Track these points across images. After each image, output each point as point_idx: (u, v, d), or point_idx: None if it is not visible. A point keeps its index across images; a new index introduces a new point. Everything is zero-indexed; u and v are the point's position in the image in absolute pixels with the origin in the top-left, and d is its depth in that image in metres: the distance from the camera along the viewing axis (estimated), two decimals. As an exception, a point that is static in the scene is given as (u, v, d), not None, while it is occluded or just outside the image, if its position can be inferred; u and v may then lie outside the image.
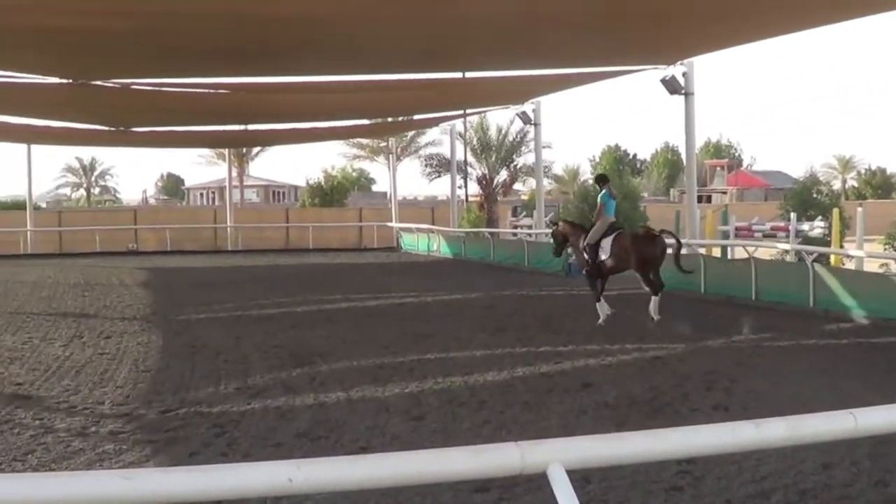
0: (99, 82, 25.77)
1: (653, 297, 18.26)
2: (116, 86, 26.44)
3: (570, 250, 21.10)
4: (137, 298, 25.03)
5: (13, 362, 14.88)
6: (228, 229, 52.74)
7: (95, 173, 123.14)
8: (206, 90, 28.58)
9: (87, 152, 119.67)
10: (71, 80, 25.22)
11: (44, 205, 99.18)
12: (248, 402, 11.68)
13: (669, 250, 19.25)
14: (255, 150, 79.34)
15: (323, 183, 70.28)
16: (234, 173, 67.63)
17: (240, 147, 69.13)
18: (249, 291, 26.35)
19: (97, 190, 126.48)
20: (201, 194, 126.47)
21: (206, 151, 79.17)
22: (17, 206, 63.78)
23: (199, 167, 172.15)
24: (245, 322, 19.81)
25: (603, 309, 18.58)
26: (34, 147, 51.24)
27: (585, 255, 19.09)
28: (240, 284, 28.92)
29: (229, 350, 15.93)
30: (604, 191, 19.33)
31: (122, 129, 38.45)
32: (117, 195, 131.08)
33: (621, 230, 19.10)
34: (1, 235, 50.38)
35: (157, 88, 27.42)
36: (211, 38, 20.16)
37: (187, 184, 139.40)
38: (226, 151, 60.31)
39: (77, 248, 49.14)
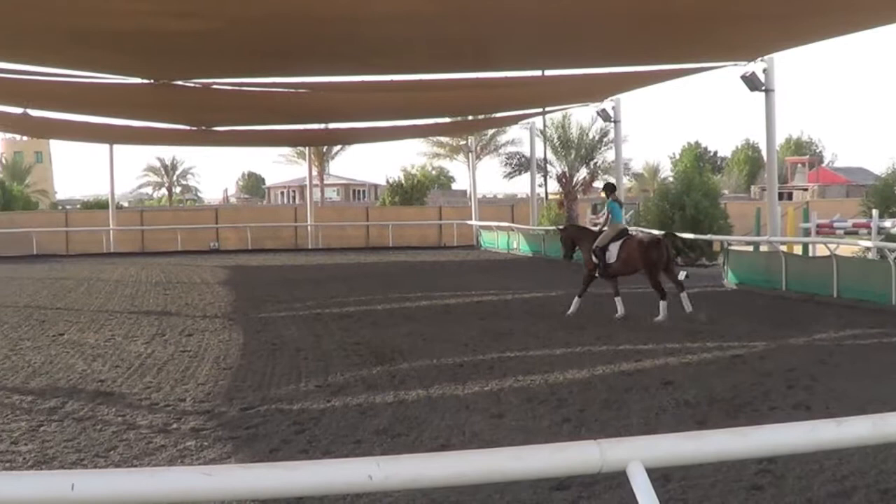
0: (180, 82, 26.07)
1: (682, 294, 19.15)
2: (198, 86, 26.74)
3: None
4: (219, 296, 25.29)
5: (96, 359, 15.09)
6: (309, 228, 53.11)
7: (177, 173, 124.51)
8: (287, 89, 28.79)
9: (168, 152, 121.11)
10: (153, 81, 25.55)
11: (126, 204, 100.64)
12: (328, 399, 11.72)
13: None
14: (336, 148, 79.72)
15: (403, 181, 70.59)
16: (315, 172, 68.02)
17: (320, 146, 69.48)
18: (330, 289, 26.50)
19: (178, 189, 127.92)
20: (282, 193, 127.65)
21: (286, 150, 79.68)
22: (100, 205, 64.82)
23: (280, 166, 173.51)
24: (325, 320, 19.91)
25: (574, 305, 20.08)
26: (116, 147, 52.08)
27: (594, 258, 20.09)
28: (320, 282, 29.09)
29: (310, 348, 16.01)
30: (611, 199, 20.43)
31: (203, 128, 38.90)
32: (199, 194, 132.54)
33: (629, 236, 20.19)
34: (84, 235, 51.33)
35: (237, 88, 27.69)
36: (291, 38, 20.28)
37: (268, 182, 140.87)
38: (306, 150, 60.70)
39: (159, 247, 49.81)
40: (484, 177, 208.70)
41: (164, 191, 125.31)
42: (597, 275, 20.21)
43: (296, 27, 19.12)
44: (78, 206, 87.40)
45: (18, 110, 34.49)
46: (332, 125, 42.82)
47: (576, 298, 20.25)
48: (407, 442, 9.66)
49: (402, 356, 14.94)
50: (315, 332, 17.88)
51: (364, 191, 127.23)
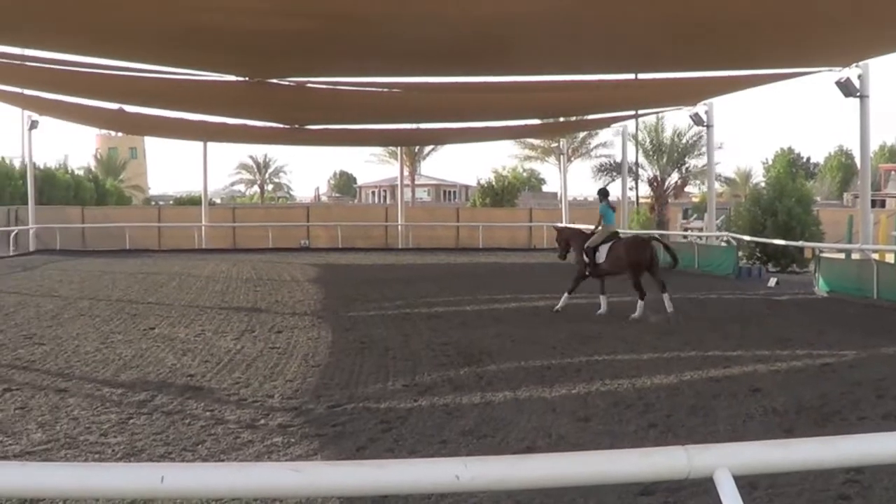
0: (275, 80, 26.33)
1: (664, 295, 19.97)
2: (292, 84, 26.97)
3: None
4: (308, 294, 25.48)
5: (186, 354, 15.29)
6: (399, 227, 53.36)
7: (269, 171, 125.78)
8: (380, 89, 28.93)
9: (260, 150, 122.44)
10: (248, 78, 25.84)
11: (218, 201, 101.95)
12: (415, 399, 11.74)
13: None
14: (427, 148, 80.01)
15: (494, 183, 70.55)
16: (406, 172, 68.31)
17: (412, 146, 69.83)
18: (419, 289, 26.57)
19: (270, 187, 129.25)
20: (373, 192, 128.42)
21: (378, 150, 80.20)
22: (193, 201, 65.81)
23: (371, 165, 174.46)
24: (414, 320, 19.96)
25: (563, 301, 21.39)
26: (210, 144, 52.76)
27: (585, 258, 21.28)
28: (410, 282, 29.17)
29: (398, 347, 16.05)
30: (604, 203, 22.04)
31: (296, 126, 39.24)
32: (290, 192, 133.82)
33: (618, 239, 21.40)
34: (177, 230, 52.10)
35: (332, 87, 27.88)
36: (385, 39, 20.38)
37: (359, 182, 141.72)
38: (398, 150, 61.00)
39: (250, 244, 50.37)
40: (575, 179, 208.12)
41: (256, 188, 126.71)
42: (587, 273, 21.39)
43: (390, 27, 19.22)
44: (171, 201, 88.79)
45: (114, 106, 35.13)
46: (423, 125, 42.97)
47: (565, 295, 21.49)
48: (493, 443, 9.64)
49: (490, 357, 14.91)
50: (404, 332, 17.93)
51: (455, 191, 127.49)
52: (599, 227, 21.52)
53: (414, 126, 43.17)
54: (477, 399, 11.76)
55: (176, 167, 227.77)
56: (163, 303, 23.25)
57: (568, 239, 22.45)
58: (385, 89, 29.05)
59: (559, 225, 23.72)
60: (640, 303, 20.14)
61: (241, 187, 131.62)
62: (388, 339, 16.94)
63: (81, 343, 16.41)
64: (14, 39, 22.45)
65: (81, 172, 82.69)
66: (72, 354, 15.19)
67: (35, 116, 45.09)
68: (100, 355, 15.13)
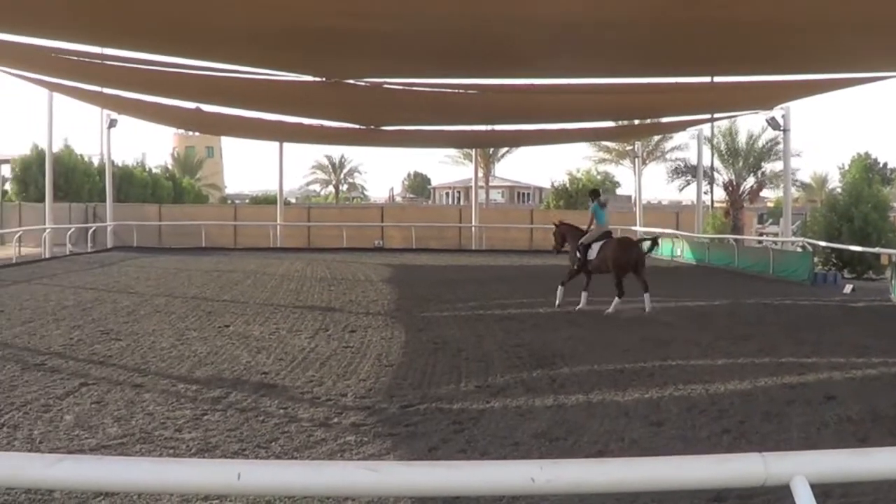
0: (352, 81, 26.43)
1: (645, 295, 21.39)
2: (368, 85, 27.06)
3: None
4: (382, 294, 25.55)
5: (260, 352, 15.39)
6: (473, 229, 53.40)
7: (344, 171, 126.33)
8: (456, 90, 28.94)
9: (336, 150, 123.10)
10: (325, 79, 25.97)
11: (293, 200, 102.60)
12: (487, 400, 11.71)
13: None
14: (501, 150, 79.96)
15: (568, 185, 70.31)
16: (480, 173, 68.36)
17: (486, 147, 69.83)
18: (492, 290, 26.56)
19: (345, 187, 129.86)
20: (447, 193, 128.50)
21: (452, 151, 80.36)
22: (269, 201, 66.42)
23: (446, 167, 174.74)
24: (487, 321, 19.92)
25: (560, 294, 22.65)
26: (286, 144, 53.20)
27: (578, 254, 22.58)
28: (483, 283, 29.16)
29: (471, 348, 16.03)
30: (595, 203, 23.05)
31: (372, 127, 39.38)
32: (365, 192, 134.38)
33: (609, 238, 22.60)
34: (253, 229, 52.59)
35: (408, 88, 27.93)
36: (461, 40, 20.38)
37: (433, 183, 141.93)
38: (472, 151, 61.04)
39: (324, 244, 50.70)
40: (649, 182, 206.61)
41: (331, 188, 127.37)
42: (575, 267, 22.78)
43: (466, 29, 19.21)
44: (247, 200, 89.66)
45: (192, 106, 35.53)
46: (498, 127, 42.94)
47: (559, 288, 22.80)
48: (565, 446, 9.58)
49: (563, 360, 14.84)
50: (477, 333, 17.90)
51: (528, 193, 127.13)
52: (592, 226, 22.65)
53: (489, 128, 43.16)
54: (549, 401, 11.71)
55: (252, 166, 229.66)
56: (238, 300, 23.46)
57: (564, 234, 23.51)
58: (461, 90, 29.06)
59: (558, 221, 24.85)
60: (616, 300, 21.33)
61: (317, 187, 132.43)
62: (461, 340, 16.93)
63: (157, 339, 16.61)
64: (95, 38, 22.78)
65: (159, 171, 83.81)
66: (148, 350, 15.38)
67: (114, 115, 45.79)
68: (175, 352, 15.29)
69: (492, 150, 75.47)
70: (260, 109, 36.16)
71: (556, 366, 14.32)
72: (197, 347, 15.74)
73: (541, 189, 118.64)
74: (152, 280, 29.46)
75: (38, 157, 56.98)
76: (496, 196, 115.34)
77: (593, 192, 24.24)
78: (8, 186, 66.07)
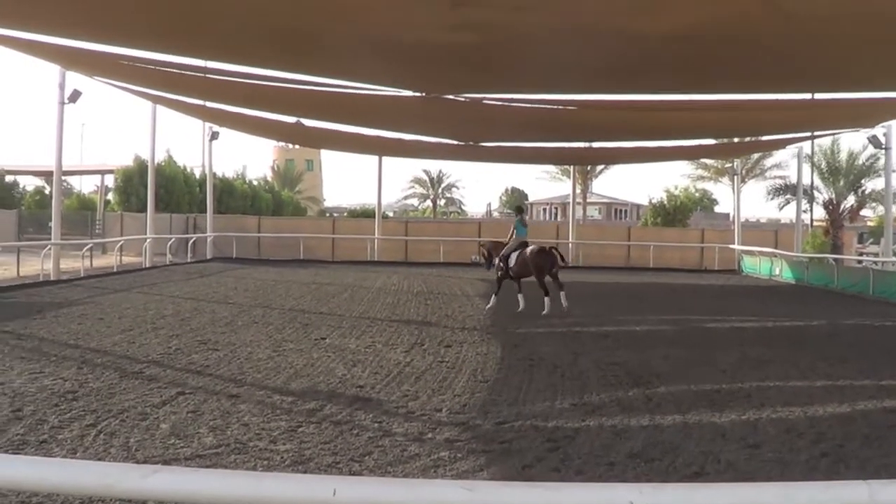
0: (451, 96, 26.46)
1: (561, 293, 24.99)
2: (467, 100, 27.05)
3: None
4: (478, 309, 25.52)
5: (356, 365, 15.43)
6: (570, 245, 53.08)
7: (442, 185, 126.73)
8: (555, 106, 28.79)
9: (434, 164, 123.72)
10: (424, 94, 26.02)
11: (391, 214, 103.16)
12: (582, 418, 11.60)
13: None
14: (599, 167, 79.52)
15: (665, 202, 69.73)
16: (578, 190, 68.03)
17: (584, 164, 69.48)
18: (589, 307, 26.38)
19: (443, 202, 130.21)
20: (544, 209, 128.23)
21: (550, 167, 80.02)
22: (367, 214, 66.77)
23: (543, 182, 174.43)
24: (584, 338, 19.78)
25: (492, 301, 26.02)
26: (385, 158, 53.45)
27: (501, 264, 26.03)
28: (579, 300, 28.95)
29: (567, 365, 15.91)
30: (518, 218, 26.70)
31: (470, 143, 39.37)
32: (462, 207, 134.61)
33: (525, 247, 25.58)
34: (351, 242, 52.96)
35: (507, 104, 27.87)
36: (562, 54, 20.27)
37: (530, 198, 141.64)
38: (570, 168, 60.78)
39: (421, 258, 50.89)
40: (748, 200, 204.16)
41: (428, 202, 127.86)
42: (498, 275, 26.17)
43: (568, 43, 19.10)
44: (345, 213, 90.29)
45: (292, 120, 35.90)
46: (596, 144, 42.67)
47: (493, 297, 26.19)
48: (660, 467, 9.43)
49: (659, 379, 14.66)
50: (573, 350, 17.78)
51: (626, 210, 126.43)
52: (512, 238, 26.06)
53: (587, 145, 42.91)
54: (645, 421, 11.55)
55: (351, 179, 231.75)
56: (334, 313, 23.58)
57: (490, 249, 27.14)
58: (560, 106, 28.91)
59: (482, 240, 30.71)
60: (546, 300, 24.56)
61: (415, 201, 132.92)
62: (556, 357, 16.82)
63: (254, 350, 16.76)
64: (197, 52, 23.10)
65: (259, 183, 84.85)
66: (244, 361, 15.51)
67: (216, 128, 46.55)
68: (272, 363, 15.41)
69: (589, 166, 75.04)
70: (359, 124, 36.37)
71: (653, 385, 14.15)
72: (293, 359, 15.84)
73: (638, 206, 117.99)
74: (250, 291, 29.79)
75: (140, 167, 57.91)
76: (593, 212, 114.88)
77: (517, 209, 28.84)
78: (111, 196, 67.29)
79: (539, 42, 18.94)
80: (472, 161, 55.94)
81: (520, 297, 25.40)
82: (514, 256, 25.50)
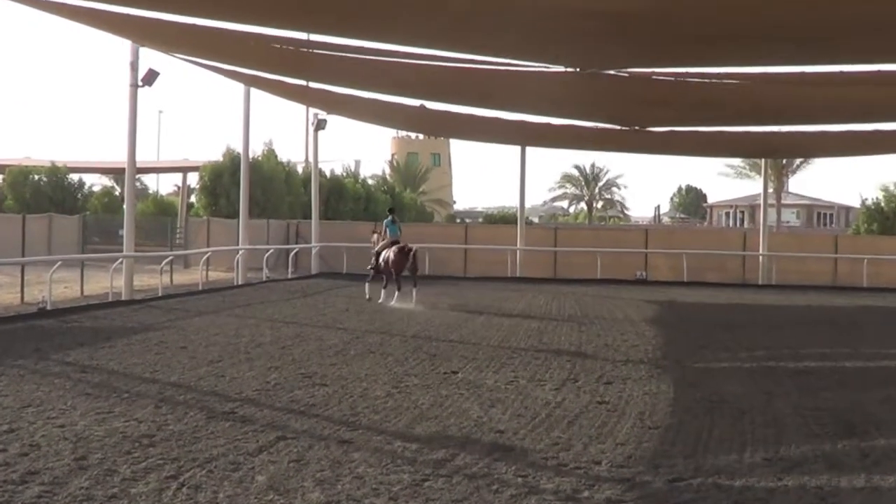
0: (611, 71, 26.30)
1: (413, 290, 34.08)
2: (631, 76, 26.87)
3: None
4: (645, 338, 25.38)
5: (495, 405, 15.44)
6: (760, 258, 52.40)
7: (599, 183, 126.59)
8: (740, 81, 28.41)
9: (589, 158, 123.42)
10: (578, 69, 25.92)
11: (536, 220, 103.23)
12: (778, 476, 11.44)
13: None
14: (797, 160, 78.52)
15: (883, 204, 68.42)
16: (770, 188, 67.24)
17: (779, 157, 68.64)
18: (784, 337, 26.07)
19: (600, 203, 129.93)
20: (727, 213, 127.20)
21: (734, 161, 79.32)
22: (506, 219, 66.76)
23: (726, 180, 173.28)
24: (778, 375, 19.52)
25: (368, 290, 35.83)
26: (529, 150, 53.34)
27: (374, 260, 35.78)
28: (772, 328, 28.66)
29: (757, 409, 15.72)
30: (388, 218, 36.74)
31: (635, 128, 39.07)
32: (624, 211, 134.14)
33: (392, 246, 34.68)
34: (487, 254, 53.08)
35: (680, 79, 27.60)
36: (746, 17, 20.06)
37: (710, 199, 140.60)
38: (761, 162, 60.02)
39: (573, 273, 50.74)
40: None
41: (582, 205, 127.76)
42: (370, 268, 36.36)
43: (748, 6, 18.90)
44: (479, 219, 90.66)
45: (414, 103, 36.04)
46: (794, 128, 41.82)
47: (366, 285, 36.28)
48: (880, 543, 9.28)
49: (878, 429, 14.37)
50: (764, 390, 17.56)
51: (831, 214, 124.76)
52: (385, 238, 35.74)
53: (782, 129, 42.16)
54: (860, 482, 11.34)
55: (486, 177, 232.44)
56: (467, 341, 23.67)
57: (378, 250, 35.71)
58: (747, 81, 28.51)
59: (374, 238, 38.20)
60: (395, 293, 33.99)
61: (564, 203, 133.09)
62: (744, 399, 16.63)
63: (370, 386, 16.91)
64: (300, 22, 23.33)
65: (374, 182, 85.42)
66: (358, 399, 15.65)
67: (322, 114, 46.96)
68: (392, 402, 15.52)
69: (785, 159, 74.06)
70: (498, 107, 36.45)
71: (869, 436, 13.89)
72: (417, 397, 15.94)
73: (847, 208, 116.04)
74: (365, 314, 30.07)
75: (232, 163, 57.97)
76: (789, 216, 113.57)
77: (389, 210, 39.18)
78: (194, 199, 67.99)
79: (711, 6, 18.77)
80: (636, 152, 55.47)
81: (383, 291, 34.72)
82: (384, 254, 34.81)
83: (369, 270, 36.38)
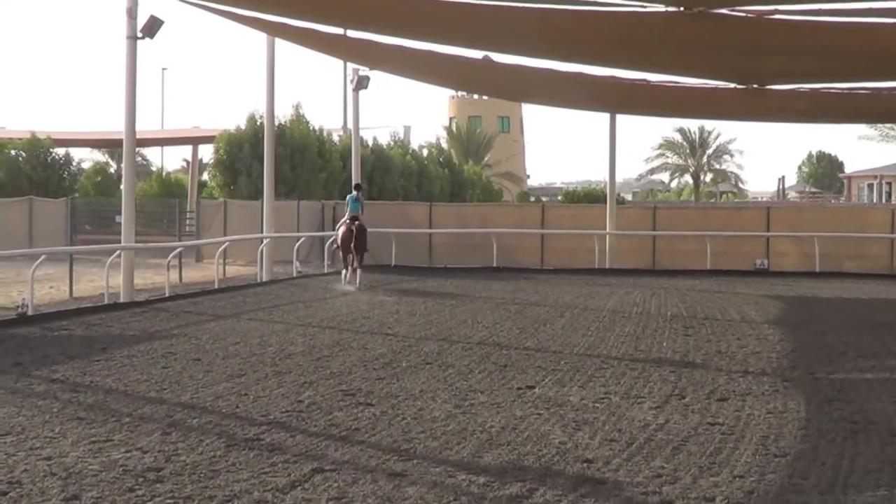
0: (724, 10, 26.10)
1: (357, 270, 40.19)
2: (750, 14, 26.63)
3: None
4: (768, 343, 25.27)
5: (581, 427, 15.43)
6: (901, 242, 51.96)
7: (708, 151, 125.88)
8: (886, 19, 28.05)
9: (695, 122, 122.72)
10: (682, 8, 25.74)
11: (629, 197, 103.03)
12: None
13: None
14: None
15: None
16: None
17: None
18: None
19: (709, 176, 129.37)
20: (869, 186, 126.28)
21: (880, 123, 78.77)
22: (591, 197, 66.57)
23: (868, 145, 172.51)
24: (937, 389, 19.41)
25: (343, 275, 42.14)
26: (620, 117, 53.01)
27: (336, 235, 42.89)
28: (929, 329, 28.47)
29: (914, 431, 15.64)
30: (352, 194, 42.02)
31: (752, 87, 38.79)
32: (740, 185, 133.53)
33: (349, 222, 40.57)
34: (568, 240, 52.93)
35: (810, 20, 27.30)
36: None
37: (847, 169, 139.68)
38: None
39: (677, 263, 50.62)
40: None
41: (687, 178, 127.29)
42: (335, 247, 43.75)
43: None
44: (559, 197, 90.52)
45: (477, 55, 35.94)
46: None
47: (342, 272, 42.49)
48: None
49: None
50: (920, 408, 17.46)
51: None
52: (346, 214, 41.58)
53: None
54: None
55: (567, 147, 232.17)
56: (546, 349, 23.70)
57: None
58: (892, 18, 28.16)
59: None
60: (344, 272, 41.05)
61: (665, 176, 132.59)
62: (895, 419, 16.51)
63: (426, 405, 16.93)
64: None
65: (429, 153, 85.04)
66: (412, 421, 15.67)
67: (363, 71, 46.91)
68: (454, 424, 15.53)
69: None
70: (581, 60, 36.32)
71: None
72: (485, 418, 15.95)
73: None
74: (418, 316, 30.15)
75: (254, 132, 58.29)
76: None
77: (356, 186, 44.65)
78: (208, 176, 67.30)
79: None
80: (753, 119, 55.11)
81: (343, 272, 41.41)
82: (339, 230, 41.09)
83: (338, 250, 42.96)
